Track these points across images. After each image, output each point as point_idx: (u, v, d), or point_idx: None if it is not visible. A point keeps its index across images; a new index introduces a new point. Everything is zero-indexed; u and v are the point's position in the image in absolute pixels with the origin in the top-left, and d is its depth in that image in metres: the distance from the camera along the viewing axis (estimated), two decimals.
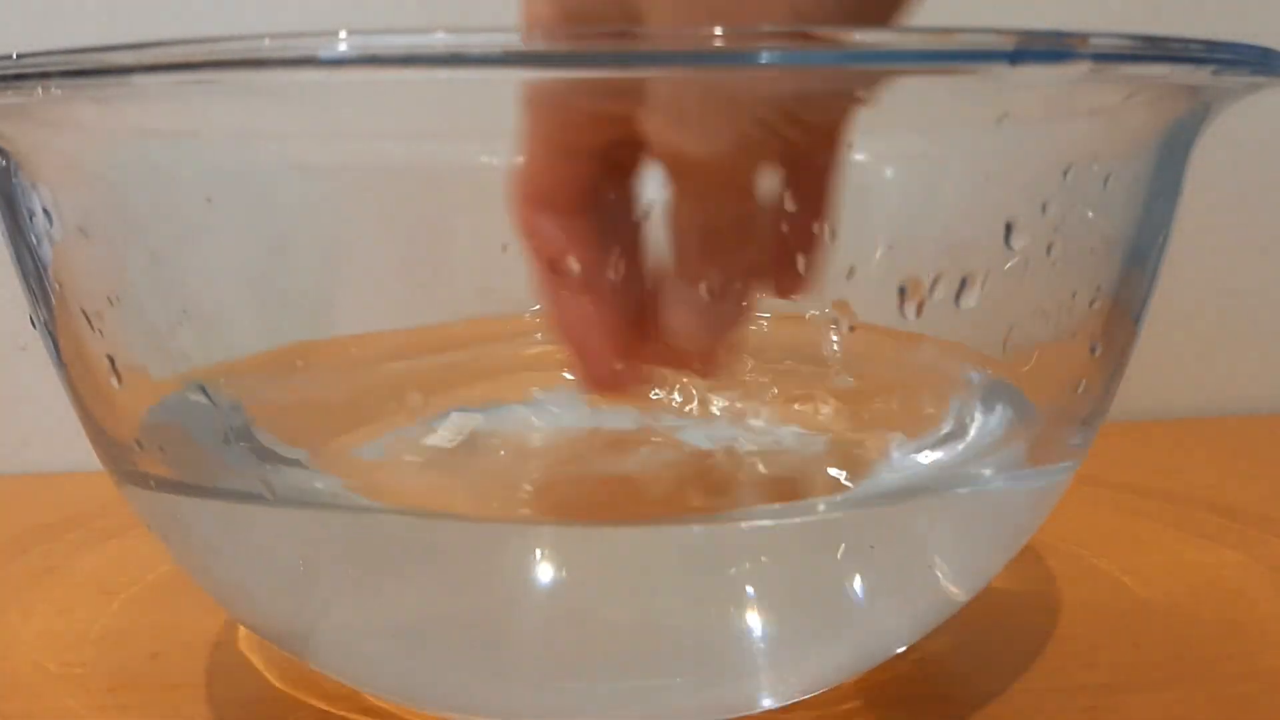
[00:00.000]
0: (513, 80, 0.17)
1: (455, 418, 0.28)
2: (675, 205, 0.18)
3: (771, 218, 0.19)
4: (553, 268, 0.19)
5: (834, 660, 0.23)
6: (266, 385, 0.26)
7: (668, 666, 0.22)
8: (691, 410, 0.30)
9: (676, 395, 0.30)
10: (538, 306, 0.20)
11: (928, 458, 0.25)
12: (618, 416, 0.29)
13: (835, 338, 0.26)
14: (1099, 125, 0.21)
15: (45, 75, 0.18)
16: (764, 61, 0.16)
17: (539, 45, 0.16)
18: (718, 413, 0.29)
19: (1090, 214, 0.22)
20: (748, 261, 0.19)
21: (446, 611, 0.22)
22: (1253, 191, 0.48)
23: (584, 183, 0.19)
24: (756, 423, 0.29)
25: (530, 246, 0.20)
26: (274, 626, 0.24)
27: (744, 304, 0.19)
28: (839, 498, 0.25)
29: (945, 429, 0.25)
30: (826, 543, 0.22)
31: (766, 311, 0.27)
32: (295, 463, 0.25)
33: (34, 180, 0.21)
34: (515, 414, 0.29)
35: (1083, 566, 0.32)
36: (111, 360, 0.22)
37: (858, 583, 0.22)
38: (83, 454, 0.24)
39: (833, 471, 0.26)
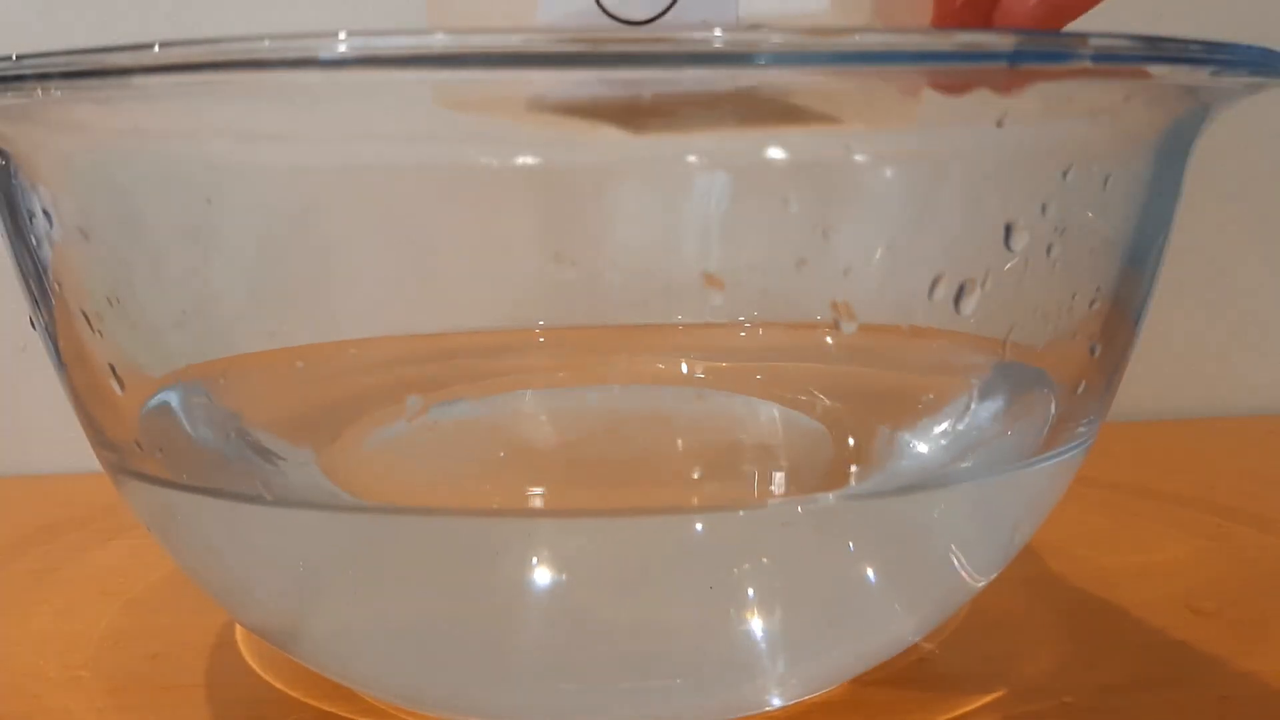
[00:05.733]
0: (513, 80, 0.17)
1: (455, 409, 0.28)
2: None
3: None
4: None
5: (838, 657, 0.23)
6: (266, 386, 0.26)
7: (668, 667, 0.22)
8: (692, 401, 0.30)
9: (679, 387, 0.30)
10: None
11: (931, 450, 0.25)
12: (617, 407, 0.29)
13: (831, 339, 0.26)
14: (1099, 125, 0.21)
15: (45, 76, 0.18)
16: (763, 62, 0.16)
17: (539, 45, 0.16)
18: (717, 407, 0.29)
19: (1090, 215, 0.22)
20: None
21: (446, 611, 0.22)
22: (1253, 192, 0.48)
23: None
24: (758, 416, 0.29)
25: None
26: (273, 627, 0.24)
27: None
28: (846, 489, 0.25)
29: (947, 423, 0.25)
30: (834, 535, 0.22)
31: (765, 313, 0.27)
32: (295, 463, 0.25)
33: (34, 181, 0.21)
34: (514, 407, 0.29)
35: (1083, 567, 0.32)
36: (111, 361, 0.22)
37: (865, 576, 0.22)
38: (83, 454, 0.24)
39: (837, 463, 0.26)
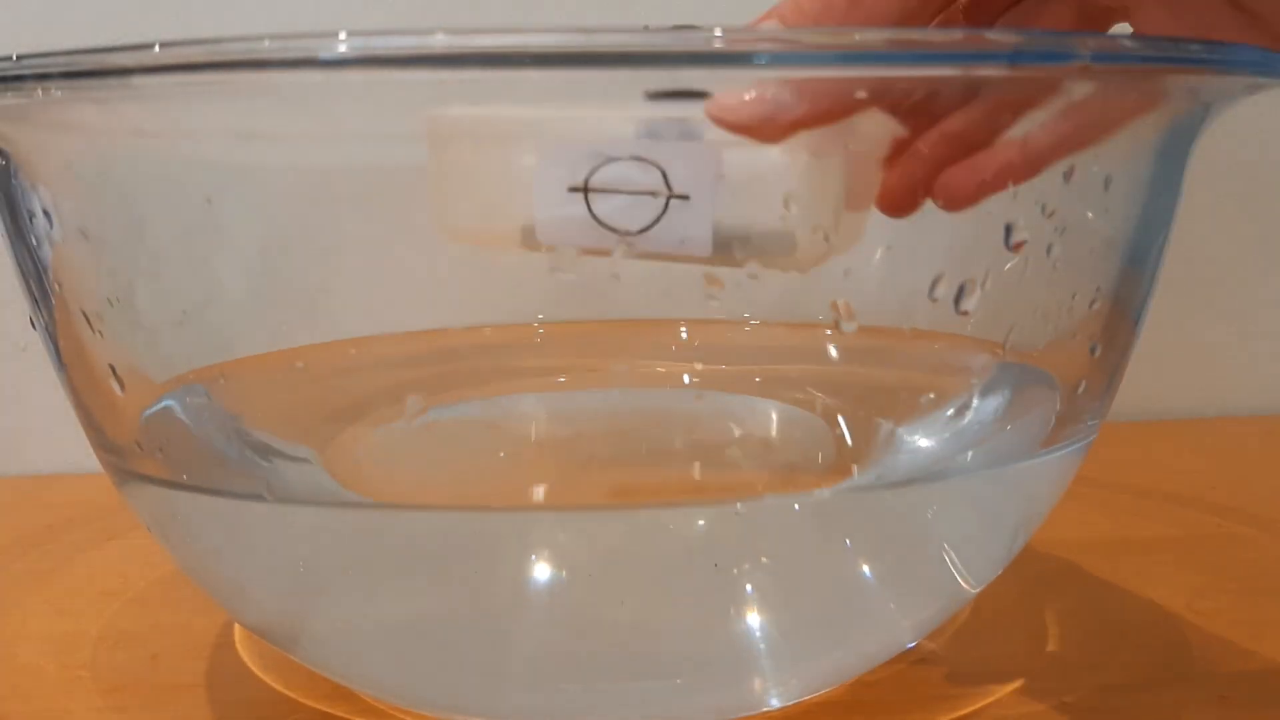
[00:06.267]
0: (513, 81, 0.17)
1: (455, 409, 0.28)
2: None
3: None
4: None
5: (839, 657, 0.23)
6: (266, 386, 0.26)
7: (668, 667, 0.22)
8: (692, 401, 0.30)
9: (683, 380, 0.30)
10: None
11: (929, 447, 0.25)
12: (616, 407, 0.29)
13: (831, 339, 0.26)
14: None
15: (45, 76, 0.18)
16: (763, 62, 0.16)
17: (539, 45, 0.16)
18: (717, 406, 0.29)
19: (1090, 215, 0.22)
20: None
21: (445, 611, 0.22)
22: (1253, 192, 0.48)
23: None
24: (758, 415, 0.29)
25: None
26: (273, 627, 0.24)
27: None
28: (844, 483, 0.25)
29: (947, 421, 0.25)
30: (833, 530, 0.21)
31: (764, 313, 0.27)
32: (295, 462, 0.25)
33: (34, 181, 0.21)
34: (515, 408, 0.29)
35: (1082, 566, 0.32)
36: (111, 361, 0.22)
37: (865, 574, 0.22)
38: (83, 454, 0.24)
39: (836, 461, 0.26)
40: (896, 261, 0.23)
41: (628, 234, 0.18)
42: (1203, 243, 0.48)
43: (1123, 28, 0.22)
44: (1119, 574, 0.31)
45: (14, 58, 0.18)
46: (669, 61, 0.16)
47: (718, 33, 0.16)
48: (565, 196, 0.18)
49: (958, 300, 0.21)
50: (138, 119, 0.20)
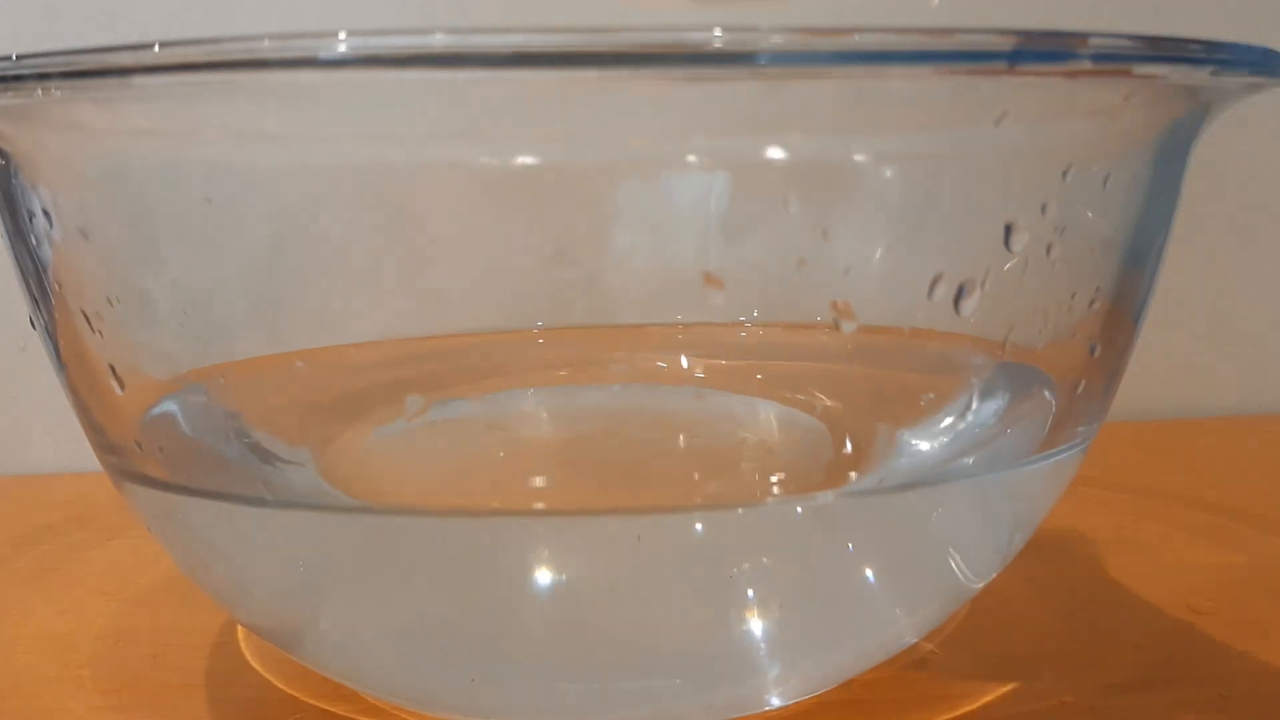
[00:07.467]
0: (513, 80, 0.17)
1: (455, 409, 0.28)
2: None
3: None
4: None
5: (838, 657, 0.23)
6: (266, 386, 0.26)
7: (668, 667, 0.22)
8: (692, 400, 0.30)
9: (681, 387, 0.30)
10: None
11: (931, 449, 0.25)
12: (617, 406, 0.29)
13: (831, 339, 0.26)
14: (1099, 125, 0.21)
15: (45, 76, 0.18)
16: (764, 61, 0.16)
17: (538, 45, 0.16)
18: (717, 406, 0.29)
19: (1090, 214, 0.22)
20: None
21: (446, 611, 0.22)
22: (1252, 192, 0.48)
23: None
24: (758, 416, 0.29)
25: None
26: (274, 627, 0.24)
27: None
28: (846, 486, 0.25)
29: (947, 421, 0.25)
30: (834, 532, 0.22)
31: (764, 313, 0.27)
32: (295, 463, 0.25)
33: (34, 181, 0.21)
34: (515, 406, 0.29)
35: (1082, 567, 0.32)
36: (111, 361, 0.22)
37: (865, 574, 0.22)
38: (83, 454, 0.24)
39: (836, 462, 0.26)
40: (896, 261, 0.23)
41: None
42: (1203, 242, 0.48)
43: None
44: (1119, 573, 0.31)
45: (14, 58, 0.18)
46: (669, 61, 0.16)
47: (717, 32, 0.16)
48: None
49: (957, 300, 0.21)
50: (138, 119, 0.20)
